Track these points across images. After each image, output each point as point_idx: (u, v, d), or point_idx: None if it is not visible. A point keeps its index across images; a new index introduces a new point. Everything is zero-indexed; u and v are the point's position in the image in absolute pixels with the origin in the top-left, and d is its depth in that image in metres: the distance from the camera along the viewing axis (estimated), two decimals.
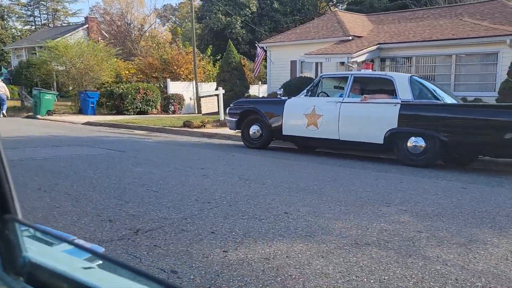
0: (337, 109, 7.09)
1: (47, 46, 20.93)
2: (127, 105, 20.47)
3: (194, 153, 7.88)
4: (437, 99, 7.12)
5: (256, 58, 19.16)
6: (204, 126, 12.90)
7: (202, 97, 13.22)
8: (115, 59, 21.87)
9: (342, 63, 17.18)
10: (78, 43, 20.15)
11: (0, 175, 0.67)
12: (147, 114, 21.19)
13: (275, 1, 32.86)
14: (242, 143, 10.28)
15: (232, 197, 4.61)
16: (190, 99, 24.30)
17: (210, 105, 13.30)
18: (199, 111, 24.35)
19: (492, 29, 13.91)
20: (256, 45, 19.51)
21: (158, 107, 22.11)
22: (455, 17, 17.38)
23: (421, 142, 6.87)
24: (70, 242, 0.74)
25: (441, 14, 18.25)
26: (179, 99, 22.95)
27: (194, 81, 24.57)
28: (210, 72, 26.25)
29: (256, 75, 21.42)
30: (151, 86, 21.56)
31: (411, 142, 6.92)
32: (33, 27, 51.17)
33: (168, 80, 23.44)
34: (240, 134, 11.30)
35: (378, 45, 15.49)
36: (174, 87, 23.59)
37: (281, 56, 19.72)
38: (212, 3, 31.51)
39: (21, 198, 3.79)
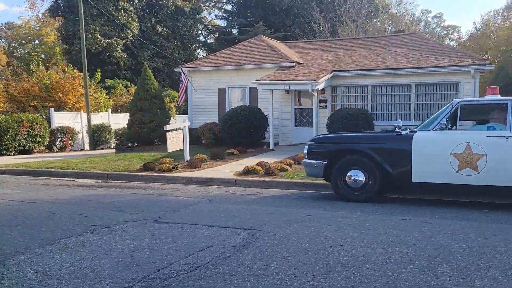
0: (509, 146, 5.52)
1: None
2: (8, 142, 15.59)
3: (337, 229, 4.77)
4: None
5: (181, 84, 16.46)
6: (176, 168, 9.98)
7: (168, 131, 10.25)
8: None
9: (287, 91, 15.85)
10: None
11: None
12: (32, 153, 16.49)
13: (157, 25, 30.06)
14: (285, 190, 7.84)
15: None
16: (79, 132, 19.98)
17: (175, 141, 10.41)
18: (93, 147, 20.19)
19: (455, 59, 14.26)
20: (180, 70, 16.87)
21: (46, 143, 17.48)
22: (380, 48, 17.66)
23: None
24: None
25: (365, 45, 18.40)
26: (70, 132, 18.58)
27: (83, 111, 20.39)
28: (101, 101, 22.19)
29: (180, 104, 18.57)
30: (37, 118, 16.94)
31: None
32: None
33: (52, 110, 18.85)
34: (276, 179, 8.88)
35: (332, 73, 14.58)
36: (59, 118, 19.09)
37: (207, 83, 17.45)
38: (86, 22, 27.14)
39: None
